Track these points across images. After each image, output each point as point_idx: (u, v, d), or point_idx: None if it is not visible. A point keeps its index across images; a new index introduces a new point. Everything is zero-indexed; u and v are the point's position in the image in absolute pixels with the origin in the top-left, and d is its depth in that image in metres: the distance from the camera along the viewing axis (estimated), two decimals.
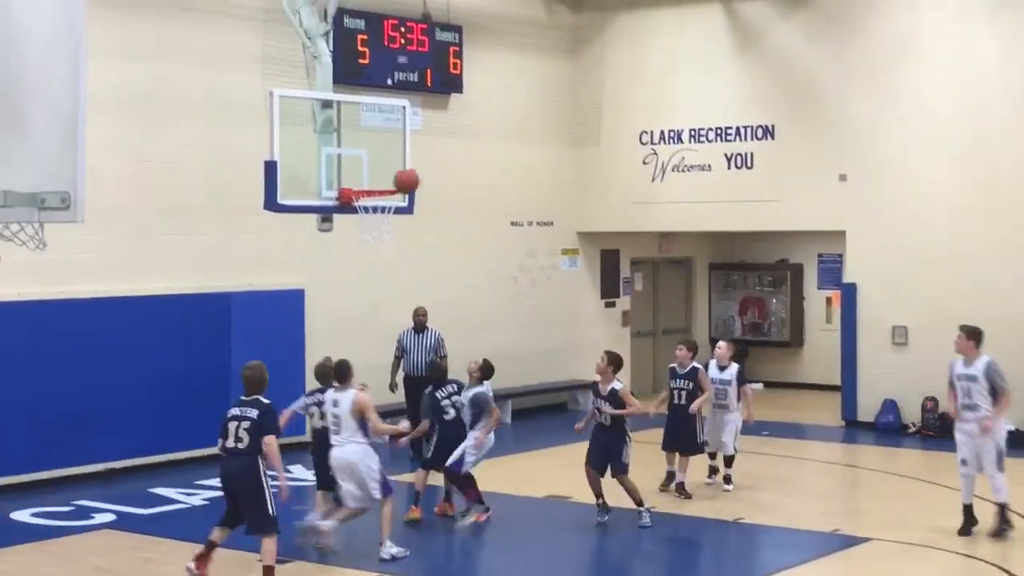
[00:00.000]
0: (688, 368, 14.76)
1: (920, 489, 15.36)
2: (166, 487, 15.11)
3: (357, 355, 18.23)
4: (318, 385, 12.95)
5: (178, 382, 16.42)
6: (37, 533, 13.07)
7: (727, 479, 14.89)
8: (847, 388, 19.72)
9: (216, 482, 15.24)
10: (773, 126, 20.36)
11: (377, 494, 12.01)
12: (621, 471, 13.21)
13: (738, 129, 20.64)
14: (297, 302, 17.77)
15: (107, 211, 15.23)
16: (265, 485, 10.70)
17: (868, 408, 19.46)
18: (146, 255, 16.27)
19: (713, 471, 15.09)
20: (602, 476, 13.36)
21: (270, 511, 10.79)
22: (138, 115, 16.14)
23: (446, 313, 19.35)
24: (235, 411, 10.99)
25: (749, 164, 20.55)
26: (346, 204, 12.43)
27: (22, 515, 13.82)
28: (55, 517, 13.74)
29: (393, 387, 17.11)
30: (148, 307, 16.14)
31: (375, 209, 12.56)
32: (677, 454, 14.77)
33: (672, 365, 14.98)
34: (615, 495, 13.24)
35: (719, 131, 20.82)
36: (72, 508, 14.10)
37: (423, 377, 15.68)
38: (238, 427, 10.84)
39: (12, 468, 14.91)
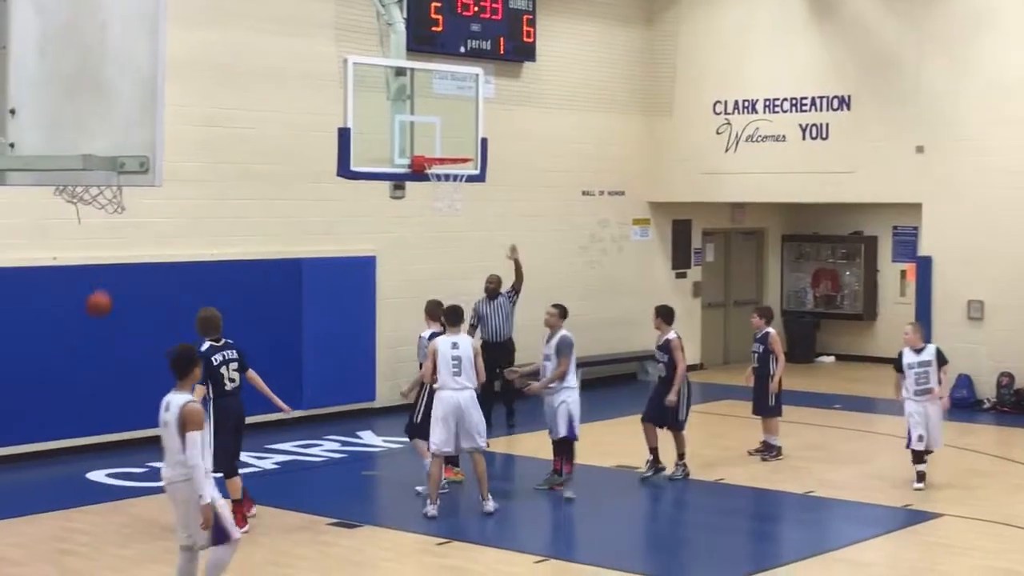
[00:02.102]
0: (761, 333, 15.21)
1: (993, 465, 15.19)
2: None
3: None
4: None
5: (250, 347, 16.49)
6: (111, 493, 13.28)
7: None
8: None
9: (287, 446, 15.53)
10: (849, 97, 20.13)
11: (482, 442, 12.29)
12: (676, 428, 13.50)
13: (813, 100, 20.43)
14: (368, 269, 17.86)
15: (182, 177, 15.37)
16: None
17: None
18: (220, 221, 16.41)
19: (921, 476, 13.68)
20: (660, 427, 13.73)
21: None
22: (213, 82, 16.25)
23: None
24: (218, 356, 11.94)
25: (824, 135, 20.34)
26: (418, 172, 12.45)
27: (97, 475, 14.04)
28: (129, 478, 13.95)
29: None
30: (221, 272, 16.29)
31: (447, 177, 12.58)
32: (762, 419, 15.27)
33: (755, 332, 15.47)
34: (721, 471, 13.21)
35: (794, 101, 20.62)
36: (145, 469, 14.28)
37: (500, 343, 16.88)
38: (228, 369, 11.94)
39: (89, 429, 15.14)
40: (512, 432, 16.75)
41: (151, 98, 5.41)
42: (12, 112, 5.74)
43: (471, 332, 17.35)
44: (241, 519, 11.32)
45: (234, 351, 12.08)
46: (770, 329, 15.29)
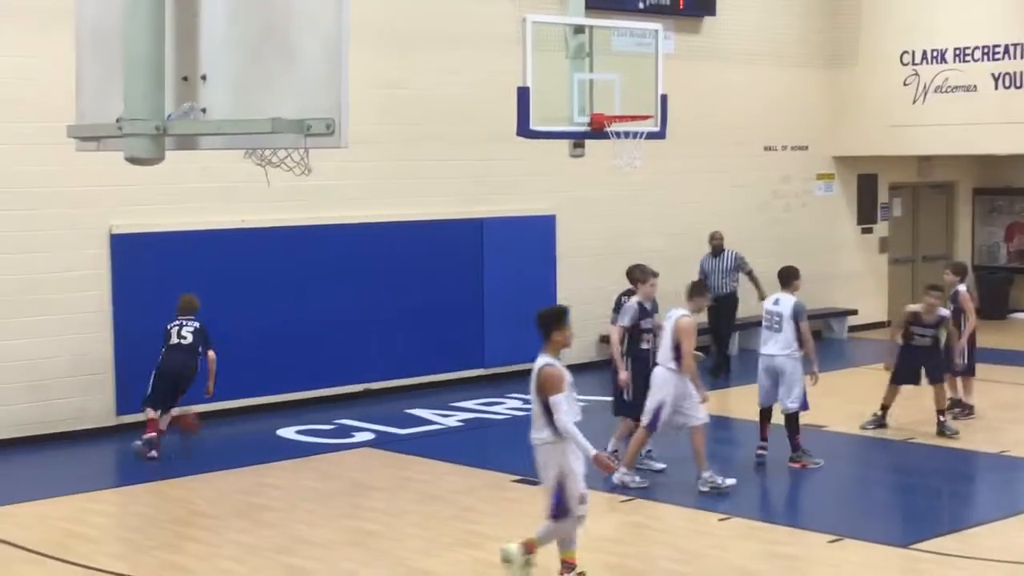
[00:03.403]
0: (952, 291, 14.72)
1: None
2: (422, 408, 15.50)
3: (606, 281, 18.41)
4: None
5: (432, 306, 16.78)
6: (301, 450, 13.61)
7: None
8: None
9: (470, 404, 15.71)
10: None
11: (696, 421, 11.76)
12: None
13: (1007, 47, 19.70)
14: (548, 227, 17.89)
15: (364, 139, 15.53)
16: None
17: None
18: (401, 181, 16.60)
19: None
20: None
21: None
22: (393, 44, 16.41)
23: (698, 240, 19.20)
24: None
25: (1018, 84, 19.61)
26: (598, 129, 12.40)
27: (288, 432, 14.40)
28: (318, 435, 14.27)
29: None
30: (404, 232, 16.50)
31: (627, 134, 12.50)
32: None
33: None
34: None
35: (986, 50, 19.92)
36: (334, 427, 14.62)
37: (724, 297, 17.57)
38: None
39: (279, 387, 15.52)
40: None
41: (336, 60, 5.47)
42: (203, 78, 5.89)
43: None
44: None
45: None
46: (961, 287, 14.75)
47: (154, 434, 13.21)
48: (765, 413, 12.82)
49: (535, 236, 17.76)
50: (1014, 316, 22.96)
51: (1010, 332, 21.22)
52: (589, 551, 9.97)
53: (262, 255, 15.38)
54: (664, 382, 11.75)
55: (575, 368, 18.07)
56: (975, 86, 20.02)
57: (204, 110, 5.84)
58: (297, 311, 15.60)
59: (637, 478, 11.83)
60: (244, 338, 15.19)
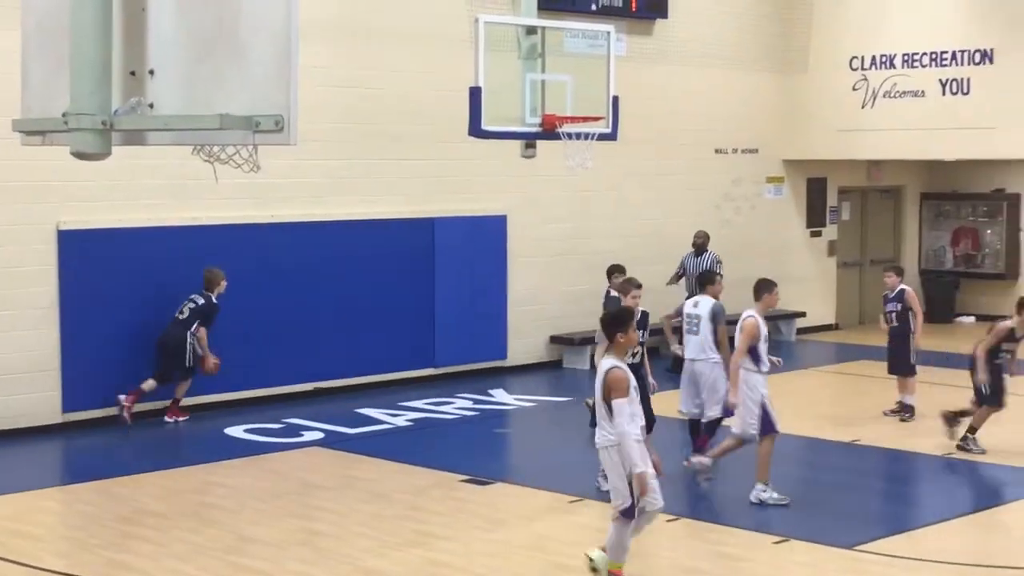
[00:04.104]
0: (896, 291, 14.95)
1: None
2: (372, 407, 15.48)
3: (557, 281, 18.47)
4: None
5: (383, 305, 16.76)
6: (249, 449, 13.55)
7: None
8: None
9: (420, 403, 15.70)
10: (991, 50, 19.58)
11: (753, 430, 11.46)
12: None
13: (954, 54, 19.91)
14: (499, 228, 17.91)
15: (316, 137, 15.53)
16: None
17: None
18: (353, 180, 16.57)
19: None
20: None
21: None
22: (347, 43, 16.37)
23: (648, 241, 19.31)
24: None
25: (965, 90, 19.83)
26: (550, 130, 12.43)
27: (236, 431, 14.33)
28: (267, 434, 14.22)
29: None
30: (354, 231, 16.47)
31: (578, 135, 12.53)
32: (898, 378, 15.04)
33: (885, 292, 15.21)
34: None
35: (934, 56, 20.12)
36: (283, 426, 14.57)
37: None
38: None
39: (227, 385, 15.44)
40: None
41: (285, 57, 5.46)
42: (151, 73, 5.85)
43: (672, 281, 18.04)
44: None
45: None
46: (906, 286, 15.07)
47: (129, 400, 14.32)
48: (693, 424, 12.77)
49: (487, 236, 17.78)
50: (960, 320, 23.19)
51: (956, 336, 21.40)
52: (538, 551, 10.01)
53: (212, 253, 15.28)
54: (753, 385, 11.50)
55: (526, 367, 18.27)
56: (923, 92, 20.21)
57: (151, 105, 5.80)
58: (247, 309, 15.52)
59: (776, 494, 11.39)
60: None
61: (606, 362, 8.86)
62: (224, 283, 14.87)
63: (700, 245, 18.11)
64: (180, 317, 14.63)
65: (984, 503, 11.57)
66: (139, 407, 14.56)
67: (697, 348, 12.56)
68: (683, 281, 18.02)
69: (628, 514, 8.82)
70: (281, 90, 5.45)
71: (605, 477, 10.52)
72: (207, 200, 14.87)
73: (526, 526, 10.81)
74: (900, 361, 15.01)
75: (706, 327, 12.49)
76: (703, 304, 12.68)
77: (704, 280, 13.08)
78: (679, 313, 13.03)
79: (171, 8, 5.74)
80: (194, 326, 14.60)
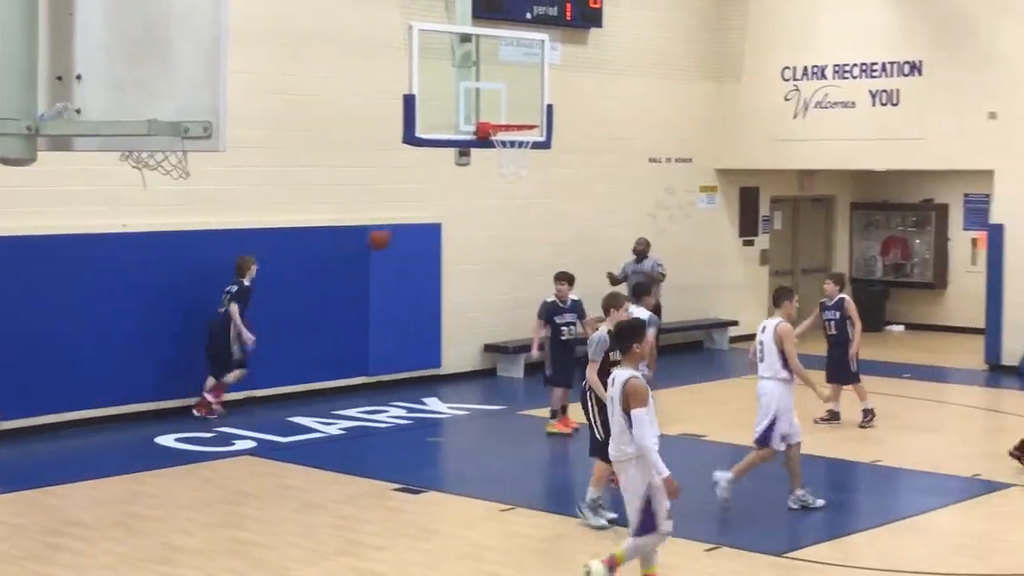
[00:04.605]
0: (835, 299, 15.09)
1: None
2: (304, 416, 15.39)
3: (492, 290, 18.48)
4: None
5: (317, 313, 16.68)
6: (180, 458, 13.43)
7: None
8: (991, 331, 19.26)
9: (353, 412, 15.63)
10: (920, 62, 19.84)
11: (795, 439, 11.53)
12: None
13: (884, 65, 20.16)
14: (434, 236, 17.88)
15: (251, 144, 15.45)
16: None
17: (1012, 352, 18.99)
18: (287, 188, 16.48)
19: None
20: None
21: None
22: (279, 50, 16.29)
23: (584, 250, 19.34)
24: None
25: (895, 101, 20.07)
26: (484, 138, 12.43)
27: (167, 440, 14.19)
28: (198, 443, 14.09)
29: None
30: (289, 239, 16.37)
31: (513, 144, 12.55)
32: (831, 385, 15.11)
33: (823, 300, 15.31)
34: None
35: (864, 67, 20.36)
36: (214, 434, 14.45)
37: None
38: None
39: (157, 394, 15.29)
40: None
41: (214, 62, 5.41)
42: (78, 77, 5.77)
43: (611, 282, 17.98)
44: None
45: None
46: (844, 295, 15.22)
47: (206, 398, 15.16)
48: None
49: (421, 244, 17.74)
50: (889, 328, 23.45)
51: (886, 344, 21.68)
52: (471, 560, 9.99)
53: (144, 260, 15.15)
54: (772, 395, 11.47)
55: (460, 376, 18.24)
56: (853, 102, 20.44)
57: (78, 111, 5.72)
58: (180, 316, 15.39)
59: (811, 499, 11.52)
60: (125, 343, 14.97)
61: (623, 373, 8.86)
62: (255, 267, 15.41)
63: (640, 252, 18.28)
64: (221, 310, 15.22)
65: (910, 510, 11.69)
66: (69, 416, 14.41)
67: None
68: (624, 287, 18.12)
69: (648, 529, 8.83)
70: (210, 96, 5.40)
71: (592, 510, 10.39)
72: (140, 207, 14.72)
73: (459, 535, 10.79)
74: (840, 369, 15.11)
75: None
76: (637, 314, 12.70)
77: (639, 291, 13.12)
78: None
79: (99, 12, 5.67)
80: (232, 310, 15.21)
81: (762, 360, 11.70)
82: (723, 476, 11.50)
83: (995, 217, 19.51)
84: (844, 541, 10.69)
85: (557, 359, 14.52)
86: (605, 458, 10.18)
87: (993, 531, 11.07)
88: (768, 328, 11.78)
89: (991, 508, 11.76)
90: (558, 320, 14.48)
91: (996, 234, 19.31)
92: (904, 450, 13.94)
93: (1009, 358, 19.04)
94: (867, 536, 10.87)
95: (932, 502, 11.91)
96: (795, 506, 11.48)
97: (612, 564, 8.95)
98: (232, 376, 15.39)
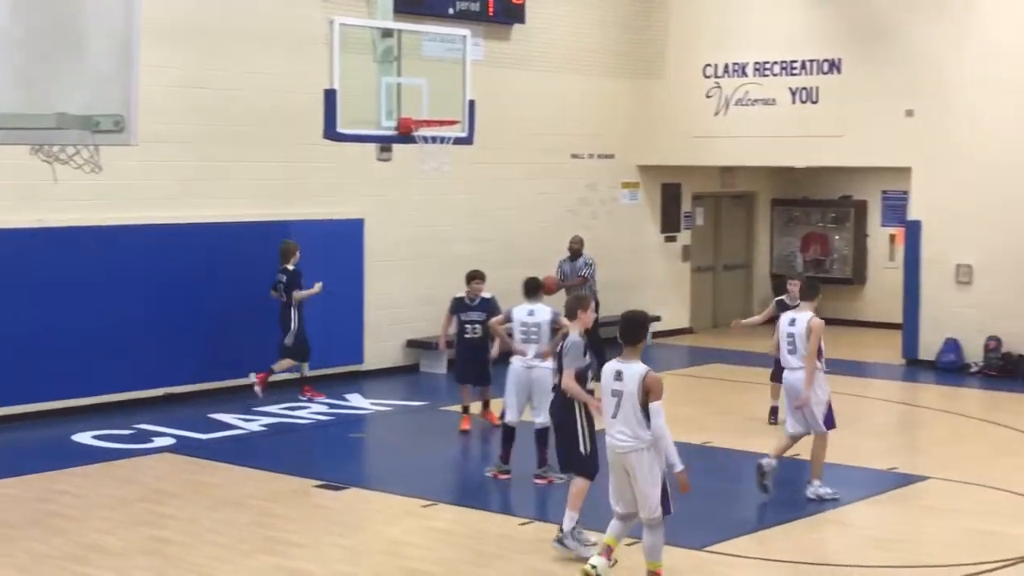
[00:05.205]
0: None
1: (979, 429, 15.23)
2: (224, 413, 15.27)
3: (414, 286, 18.45)
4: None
5: (238, 310, 16.55)
6: (98, 455, 13.27)
7: None
8: (909, 326, 19.54)
9: (274, 408, 15.55)
10: (839, 60, 20.07)
11: (820, 427, 11.91)
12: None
13: (803, 63, 20.37)
14: (356, 232, 17.80)
15: (169, 138, 15.31)
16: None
17: (929, 347, 19.28)
18: (206, 183, 16.34)
19: None
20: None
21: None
22: (199, 44, 16.14)
23: (506, 245, 19.37)
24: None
25: (814, 99, 20.29)
26: (405, 134, 12.40)
27: (83, 437, 14.03)
28: (116, 440, 13.94)
29: None
30: (208, 235, 16.23)
31: (435, 139, 12.52)
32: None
33: (781, 298, 15.10)
34: None
35: (784, 65, 20.56)
36: (132, 431, 14.30)
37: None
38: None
39: (74, 391, 15.11)
40: None
41: (126, 55, 5.35)
42: None
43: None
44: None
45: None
46: None
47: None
48: (511, 432, 12.63)
49: (343, 240, 17.66)
50: None
51: None
52: (393, 556, 9.97)
53: (60, 255, 14.95)
54: (821, 384, 11.94)
55: (383, 372, 18.18)
56: (774, 100, 20.63)
57: None
58: (98, 313, 15.22)
59: (829, 489, 11.77)
60: (41, 340, 14.78)
61: (637, 366, 9.00)
62: (298, 253, 15.95)
63: (575, 250, 18.20)
64: (283, 300, 15.92)
65: (830, 504, 11.82)
66: None
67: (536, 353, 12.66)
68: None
69: (667, 511, 9.03)
70: (121, 89, 5.35)
71: (578, 540, 10.16)
72: (56, 202, 14.51)
73: (380, 531, 10.77)
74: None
75: (546, 334, 12.59)
76: (540, 312, 12.75)
77: (536, 287, 13.06)
78: (508, 318, 13.01)
79: (8, 4, 5.59)
80: (296, 295, 15.87)
81: (794, 352, 12.06)
82: (814, 488, 11.82)
83: (912, 213, 19.79)
84: (762, 535, 10.80)
85: (460, 356, 14.58)
86: (587, 474, 10.18)
87: (910, 524, 11.22)
88: (800, 321, 12.13)
89: (908, 501, 11.92)
90: (463, 317, 14.47)
91: (913, 230, 19.58)
92: None
93: (926, 353, 19.32)
94: (784, 529, 10.98)
95: (849, 495, 12.05)
96: (812, 496, 11.75)
97: (657, 571, 9.13)
98: (279, 364, 16.00)
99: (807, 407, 11.86)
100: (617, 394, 9.04)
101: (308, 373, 16.35)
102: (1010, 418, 15.56)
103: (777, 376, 14.91)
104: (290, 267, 15.89)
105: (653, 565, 9.15)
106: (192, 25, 15.97)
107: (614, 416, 9.07)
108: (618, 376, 9.05)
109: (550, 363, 12.35)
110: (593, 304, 11.36)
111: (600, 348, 17.30)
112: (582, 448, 10.34)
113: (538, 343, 12.62)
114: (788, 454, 13.54)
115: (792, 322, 12.24)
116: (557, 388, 10.57)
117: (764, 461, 11.86)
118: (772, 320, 14.78)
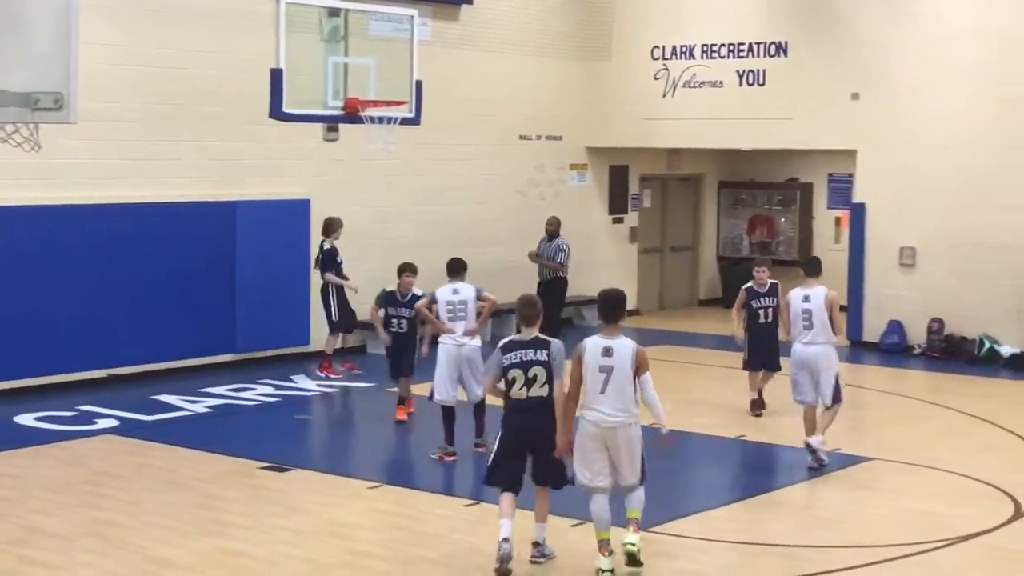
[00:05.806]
0: (769, 285, 14.80)
1: (923, 410, 15.38)
2: (169, 394, 15.16)
3: (361, 266, 18.36)
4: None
5: (183, 290, 16.43)
6: (40, 437, 13.14)
7: None
8: (853, 308, 19.68)
9: (220, 390, 15.46)
10: (786, 43, 20.14)
11: (828, 401, 12.41)
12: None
13: (751, 46, 20.43)
14: (302, 212, 17.69)
15: (112, 117, 15.14)
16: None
17: (873, 328, 19.45)
18: (150, 162, 16.17)
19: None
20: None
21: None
22: (144, 21, 15.95)
23: (453, 226, 19.33)
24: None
25: (761, 81, 20.36)
26: (352, 114, 12.38)
27: (26, 419, 13.88)
28: (58, 421, 13.81)
29: None
30: (153, 215, 16.08)
31: (381, 119, 12.50)
32: (761, 372, 14.83)
33: (749, 285, 14.88)
34: None
35: (732, 47, 20.61)
36: (75, 413, 14.17)
37: (550, 281, 18.37)
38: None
39: (16, 372, 14.95)
40: None
41: (65, 34, 5.29)
42: None
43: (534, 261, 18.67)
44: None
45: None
46: (776, 280, 14.86)
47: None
48: (451, 412, 12.56)
49: (289, 220, 17.54)
50: None
51: None
52: (337, 538, 9.94)
53: (3, 234, 14.77)
54: (830, 357, 12.45)
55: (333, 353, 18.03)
56: (721, 82, 20.69)
57: None
58: (39, 293, 15.05)
59: (826, 449, 12.29)
60: None
61: (627, 341, 9.28)
62: (340, 230, 16.31)
63: (552, 231, 18.51)
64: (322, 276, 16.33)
65: (773, 484, 11.91)
66: None
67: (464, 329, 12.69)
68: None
69: (646, 476, 9.36)
70: (61, 67, 5.28)
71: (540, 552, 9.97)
72: None
73: (324, 513, 10.72)
74: (774, 357, 14.60)
75: (472, 311, 12.63)
76: (464, 290, 12.71)
77: (460, 267, 12.95)
78: (434, 300, 12.87)
79: None
80: (324, 276, 16.19)
81: (810, 327, 12.38)
82: (816, 440, 12.19)
83: (858, 196, 19.92)
84: (707, 515, 10.83)
85: (389, 349, 14.13)
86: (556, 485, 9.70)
87: (853, 504, 11.31)
88: (815, 297, 12.39)
89: (852, 481, 12.02)
90: (391, 312, 13.90)
91: (858, 213, 19.72)
92: (767, 425, 14.18)
93: (870, 334, 19.48)
94: (727, 511, 11.04)
95: (793, 476, 12.14)
96: (815, 445, 12.17)
97: (636, 528, 9.28)
98: (328, 344, 16.48)
99: (826, 375, 12.33)
100: (606, 369, 9.10)
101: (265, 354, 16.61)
102: (953, 399, 15.72)
103: (753, 365, 14.88)
104: (327, 245, 16.28)
105: (637, 512, 9.35)
106: (137, 3, 15.78)
107: (603, 392, 9.11)
108: (607, 352, 9.14)
109: (478, 340, 12.55)
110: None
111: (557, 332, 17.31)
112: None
113: (465, 320, 12.62)
114: (733, 435, 13.65)
115: (806, 298, 12.46)
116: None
117: (812, 440, 12.21)
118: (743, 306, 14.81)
